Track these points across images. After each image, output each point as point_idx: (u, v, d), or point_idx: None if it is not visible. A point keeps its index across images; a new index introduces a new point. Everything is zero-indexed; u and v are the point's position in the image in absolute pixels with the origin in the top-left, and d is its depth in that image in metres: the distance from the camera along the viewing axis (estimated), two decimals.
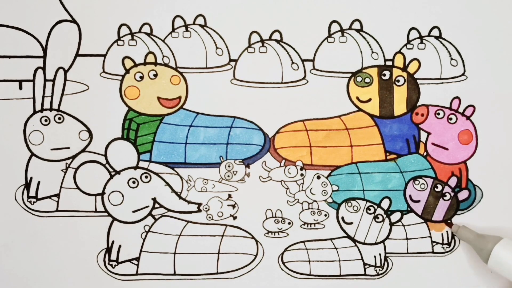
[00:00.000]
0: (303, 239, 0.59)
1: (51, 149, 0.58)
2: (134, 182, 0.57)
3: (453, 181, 0.58)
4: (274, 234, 0.59)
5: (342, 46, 0.59)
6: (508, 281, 0.57)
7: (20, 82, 0.58)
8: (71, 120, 0.58)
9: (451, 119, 0.59)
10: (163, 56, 0.58)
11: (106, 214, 0.58)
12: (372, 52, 0.59)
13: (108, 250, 0.58)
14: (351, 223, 0.58)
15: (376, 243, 0.59)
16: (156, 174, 0.58)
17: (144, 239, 0.58)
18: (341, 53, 0.59)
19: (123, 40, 0.58)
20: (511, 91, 0.59)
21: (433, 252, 0.59)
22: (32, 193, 0.57)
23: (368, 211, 0.58)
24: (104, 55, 0.58)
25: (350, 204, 0.58)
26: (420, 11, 0.59)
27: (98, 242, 0.58)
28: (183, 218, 0.58)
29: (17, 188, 0.58)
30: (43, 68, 0.57)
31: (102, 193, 0.57)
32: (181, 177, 0.58)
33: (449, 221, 0.58)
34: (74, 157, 0.58)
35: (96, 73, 0.58)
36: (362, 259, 0.58)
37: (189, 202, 0.58)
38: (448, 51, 0.59)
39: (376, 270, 0.59)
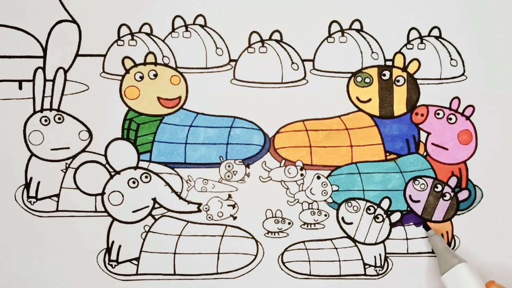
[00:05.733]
0: (303, 239, 0.59)
1: (51, 149, 0.58)
2: (134, 182, 0.57)
3: (453, 181, 0.58)
4: (274, 234, 0.59)
5: (342, 46, 0.59)
6: None
7: (20, 82, 0.58)
8: (71, 120, 0.58)
9: (450, 119, 0.59)
10: (163, 56, 0.58)
11: (106, 214, 0.58)
12: (372, 52, 0.59)
13: (108, 250, 0.58)
14: (351, 223, 0.58)
15: (376, 243, 0.59)
16: (156, 174, 0.58)
17: (144, 239, 0.58)
18: (341, 53, 0.59)
19: (123, 40, 0.58)
20: (511, 91, 0.59)
21: (433, 252, 0.59)
22: (32, 193, 0.57)
23: (368, 211, 0.58)
24: (104, 55, 0.58)
25: (350, 204, 0.58)
26: (420, 11, 0.59)
27: (98, 242, 0.58)
28: (183, 218, 0.58)
29: (17, 188, 0.58)
30: (43, 68, 0.57)
31: (102, 193, 0.57)
32: (181, 177, 0.58)
33: (427, 225, 0.58)
34: (74, 157, 0.58)
35: (96, 73, 0.58)
36: (362, 259, 0.59)
37: (189, 202, 0.58)
38: (448, 51, 0.59)
39: (376, 270, 0.59)
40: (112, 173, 0.57)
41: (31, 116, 0.57)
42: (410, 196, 0.59)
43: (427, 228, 0.58)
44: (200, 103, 0.59)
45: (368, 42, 0.59)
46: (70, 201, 0.58)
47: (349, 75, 0.59)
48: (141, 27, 0.58)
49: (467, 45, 0.59)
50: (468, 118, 0.59)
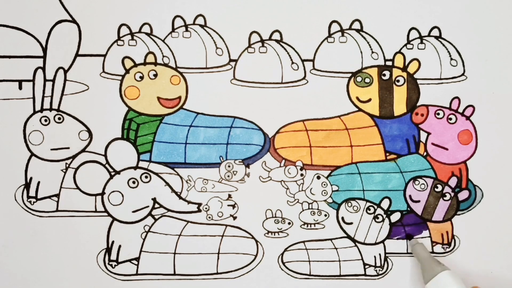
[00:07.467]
0: (303, 239, 0.59)
1: (51, 149, 0.58)
2: (134, 182, 0.57)
3: (453, 181, 0.58)
4: (274, 234, 0.59)
5: (342, 46, 0.59)
6: None
7: (20, 82, 0.58)
8: (71, 120, 0.58)
9: (450, 119, 0.59)
10: (163, 56, 0.58)
11: (106, 214, 0.58)
12: (372, 52, 0.59)
13: (108, 250, 0.58)
14: (351, 223, 0.58)
15: (376, 243, 0.59)
16: (156, 174, 0.58)
17: (144, 239, 0.58)
18: (341, 53, 0.59)
19: (123, 40, 0.58)
20: (511, 91, 0.59)
21: (433, 252, 0.59)
22: (32, 193, 0.57)
23: (368, 211, 0.58)
24: (104, 55, 0.58)
25: (350, 204, 0.58)
26: (420, 11, 0.59)
27: (98, 242, 0.58)
28: (183, 218, 0.58)
29: (17, 188, 0.58)
30: (43, 68, 0.57)
31: (102, 193, 0.57)
32: (181, 177, 0.58)
33: (410, 234, 0.58)
34: (74, 157, 0.58)
35: (96, 73, 0.58)
36: (362, 259, 0.58)
37: (189, 202, 0.58)
38: (448, 51, 0.59)
39: (376, 270, 0.59)
40: (112, 173, 0.57)
41: (31, 116, 0.57)
42: (410, 196, 0.59)
43: (410, 238, 0.58)
44: (200, 103, 0.59)
45: (368, 42, 0.59)
46: (70, 201, 0.58)
47: (349, 75, 0.59)
48: (141, 27, 0.58)
49: (467, 45, 0.59)
50: (468, 118, 0.59)
